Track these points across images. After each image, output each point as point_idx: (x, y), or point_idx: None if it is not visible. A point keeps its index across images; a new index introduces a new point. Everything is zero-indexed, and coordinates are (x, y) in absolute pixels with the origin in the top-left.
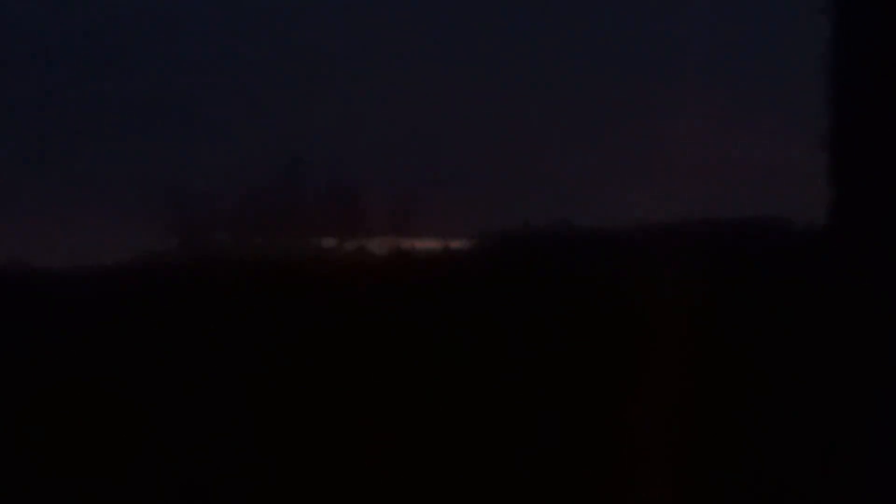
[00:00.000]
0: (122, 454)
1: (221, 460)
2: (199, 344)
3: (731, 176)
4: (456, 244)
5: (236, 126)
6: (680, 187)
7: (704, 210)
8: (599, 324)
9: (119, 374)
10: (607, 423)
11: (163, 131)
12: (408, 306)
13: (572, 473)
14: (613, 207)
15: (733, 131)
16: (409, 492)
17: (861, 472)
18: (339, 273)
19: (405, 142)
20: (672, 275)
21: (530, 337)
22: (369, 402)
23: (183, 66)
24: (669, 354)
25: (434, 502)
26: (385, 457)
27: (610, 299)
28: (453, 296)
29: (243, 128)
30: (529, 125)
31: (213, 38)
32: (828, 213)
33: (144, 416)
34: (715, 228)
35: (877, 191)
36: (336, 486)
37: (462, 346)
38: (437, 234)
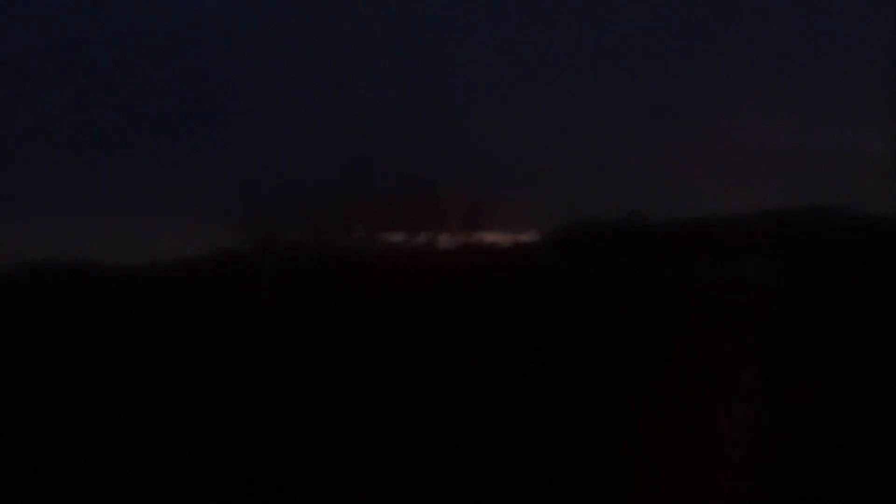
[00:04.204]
0: (204, 439)
1: (294, 441)
2: (272, 336)
3: (806, 166)
4: (527, 238)
5: (309, 123)
6: (752, 178)
7: (778, 200)
8: (671, 314)
9: (195, 367)
10: (680, 411)
11: (237, 129)
12: (477, 299)
13: (646, 458)
14: (684, 199)
15: (807, 122)
16: (465, 481)
17: None
18: (411, 267)
19: (476, 137)
20: (745, 264)
21: (602, 328)
22: (440, 393)
23: (259, 65)
24: (743, 343)
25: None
26: (462, 444)
27: (681, 290)
28: (524, 289)
29: (316, 125)
30: (601, 119)
31: (288, 38)
32: None
33: (218, 406)
34: (788, 218)
35: None
36: (426, 466)
37: (533, 338)
38: (508, 228)
